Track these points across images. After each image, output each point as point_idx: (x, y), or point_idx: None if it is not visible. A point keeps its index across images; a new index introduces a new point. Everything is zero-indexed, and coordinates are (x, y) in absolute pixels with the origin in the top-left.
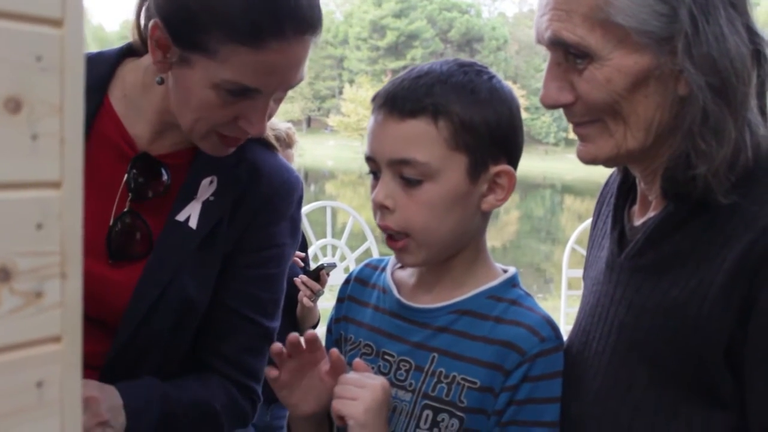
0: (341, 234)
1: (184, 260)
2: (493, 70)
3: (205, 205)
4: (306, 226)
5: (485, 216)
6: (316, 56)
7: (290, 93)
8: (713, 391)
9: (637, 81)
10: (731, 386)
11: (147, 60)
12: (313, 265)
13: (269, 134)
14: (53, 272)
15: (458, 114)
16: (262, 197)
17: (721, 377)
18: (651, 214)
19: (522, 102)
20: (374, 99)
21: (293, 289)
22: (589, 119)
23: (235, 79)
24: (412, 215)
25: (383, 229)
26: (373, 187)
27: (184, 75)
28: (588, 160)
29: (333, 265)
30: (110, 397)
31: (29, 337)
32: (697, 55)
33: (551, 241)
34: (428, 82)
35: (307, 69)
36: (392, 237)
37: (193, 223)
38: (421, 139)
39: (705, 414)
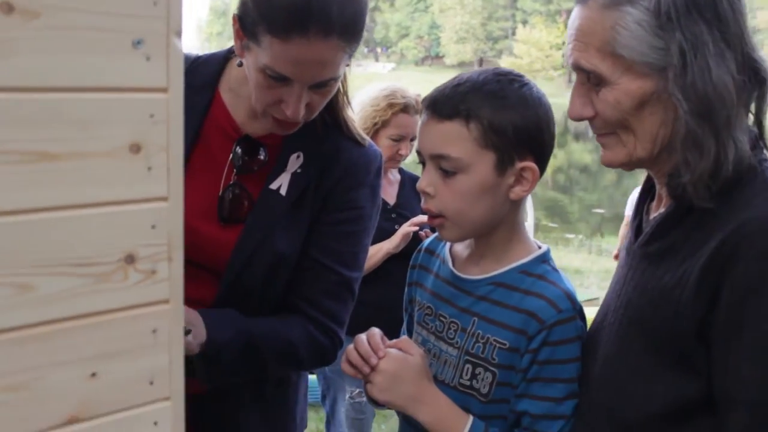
0: None
1: (276, 221)
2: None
3: (294, 175)
4: None
5: (515, 203)
6: None
7: (462, 34)
8: (690, 361)
9: (641, 102)
10: (703, 359)
11: None
12: None
13: (354, 128)
14: (163, 257)
15: (487, 118)
16: (344, 167)
17: (696, 351)
18: (661, 209)
19: None
20: (423, 101)
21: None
22: (607, 131)
23: (271, 65)
24: (448, 201)
25: (425, 211)
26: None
27: (247, 60)
28: (607, 164)
29: None
30: (193, 314)
31: (148, 299)
32: (684, 84)
33: None
34: (464, 90)
35: (480, 9)
36: (431, 215)
37: (283, 191)
38: (455, 138)
39: (683, 379)
